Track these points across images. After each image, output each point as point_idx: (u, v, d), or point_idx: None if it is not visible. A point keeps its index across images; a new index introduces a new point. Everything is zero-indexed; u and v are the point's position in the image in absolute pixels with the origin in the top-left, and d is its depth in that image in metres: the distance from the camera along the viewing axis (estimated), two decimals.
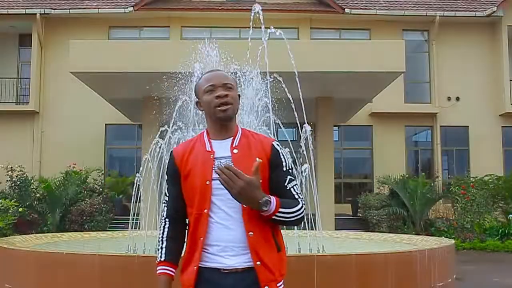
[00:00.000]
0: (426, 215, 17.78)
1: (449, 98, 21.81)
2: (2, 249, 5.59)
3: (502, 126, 21.70)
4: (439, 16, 21.40)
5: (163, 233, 2.65)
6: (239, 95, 2.68)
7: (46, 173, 19.15)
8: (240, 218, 2.48)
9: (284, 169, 2.60)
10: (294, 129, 17.36)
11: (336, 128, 20.14)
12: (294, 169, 2.68)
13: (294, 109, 7.78)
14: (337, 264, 4.83)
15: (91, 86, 15.82)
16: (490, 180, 18.65)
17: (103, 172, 20.22)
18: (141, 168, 8.15)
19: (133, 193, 7.93)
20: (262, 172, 2.50)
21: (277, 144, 2.62)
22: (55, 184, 17.09)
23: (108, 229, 15.65)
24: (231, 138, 2.61)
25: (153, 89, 14.50)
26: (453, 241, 6.43)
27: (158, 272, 2.59)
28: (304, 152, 7.47)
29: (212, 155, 2.56)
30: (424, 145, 22.54)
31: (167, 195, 2.69)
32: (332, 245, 7.20)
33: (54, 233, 10.54)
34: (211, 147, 2.59)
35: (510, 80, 21.40)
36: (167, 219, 2.66)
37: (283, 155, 2.62)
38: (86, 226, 16.19)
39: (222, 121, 2.59)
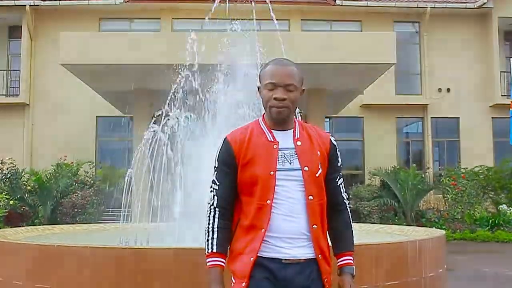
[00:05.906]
0: (417, 206, 17.87)
1: (439, 90, 21.87)
2: None
3: (493, 118, 21.77)
4: (430, 7, 21.42)
5: (213, 223, 2.55)
6: (303, 90, 2.62)
7: (37, 166, 19.05)
8: (304, 211, 2.48)
9: (339, 165, 2.65)
10: None
11: (327, 119, 20.19)
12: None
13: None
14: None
15: (82, 78, 15.74)
16: (480, 171, 18.76)
17: (94, 164, 20.16)
18: (132, 162, 8.08)
19: (125, 185, 7.88)
20: (322, 165, 2.54)
21: (334, 140, 2.65)
22: (46, 177, 17.05)
23: (99, 221, 15.61)
24: (292, 129, 2.58)
25: (144, 81, 14.46)
26: (443, 232, 6.46)
27: (210, 264, 2.50)
28: None
29: (276, 146, 2.52)
30: (415, 136, 22.64)
31: (217, 183, 2.58)
32: None
33: (46, 225, 10.53)
34: (273, 137, 2.55)
35: (501, 72, 21.49)
36: (217, 209, 2.56)
37: (338, 151, 2.66)
38: (77, 219, 16.16)
39: (275, 120, 2.57)
